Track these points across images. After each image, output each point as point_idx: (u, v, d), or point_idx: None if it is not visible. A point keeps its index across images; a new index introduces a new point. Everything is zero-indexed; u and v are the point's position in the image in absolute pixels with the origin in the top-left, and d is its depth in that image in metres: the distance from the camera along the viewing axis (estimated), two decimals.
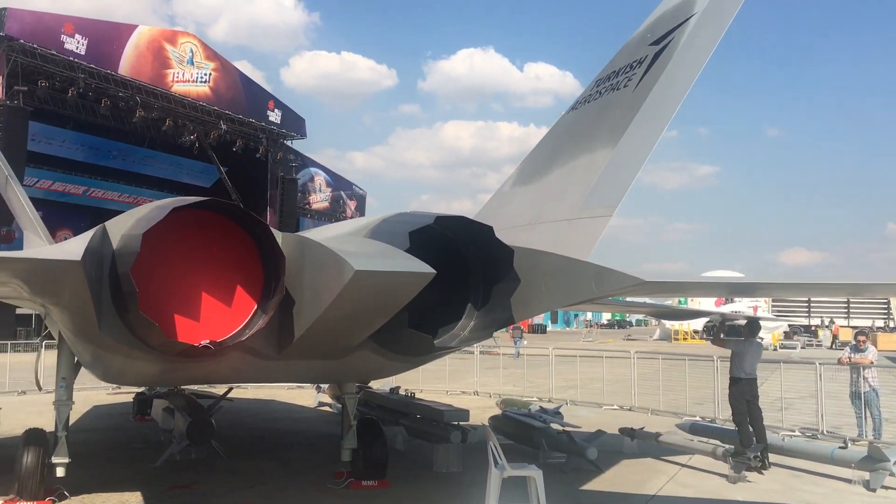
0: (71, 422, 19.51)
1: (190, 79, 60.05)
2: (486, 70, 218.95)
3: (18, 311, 40.90)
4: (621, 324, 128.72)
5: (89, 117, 54.23)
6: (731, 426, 15.37)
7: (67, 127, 56.49)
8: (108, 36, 54.26)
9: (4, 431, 16.95)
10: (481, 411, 19.82)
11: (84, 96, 52.08)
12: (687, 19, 8.74)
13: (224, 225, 8.25)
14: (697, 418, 19.89)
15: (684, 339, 75.16)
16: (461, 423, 14.17)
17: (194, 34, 64.56)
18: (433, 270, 7.20)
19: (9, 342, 30.10)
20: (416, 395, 19.57)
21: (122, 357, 8.74)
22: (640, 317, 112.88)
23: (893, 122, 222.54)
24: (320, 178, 78.08)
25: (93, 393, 24.18)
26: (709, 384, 21.76)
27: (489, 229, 8.61)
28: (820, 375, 18.91)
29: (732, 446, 14.17)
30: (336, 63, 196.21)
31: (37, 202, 57.92)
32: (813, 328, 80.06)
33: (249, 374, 10.70)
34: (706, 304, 71.15)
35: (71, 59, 50.90)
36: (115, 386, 22.07)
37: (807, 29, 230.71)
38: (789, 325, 77.61)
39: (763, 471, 13.85)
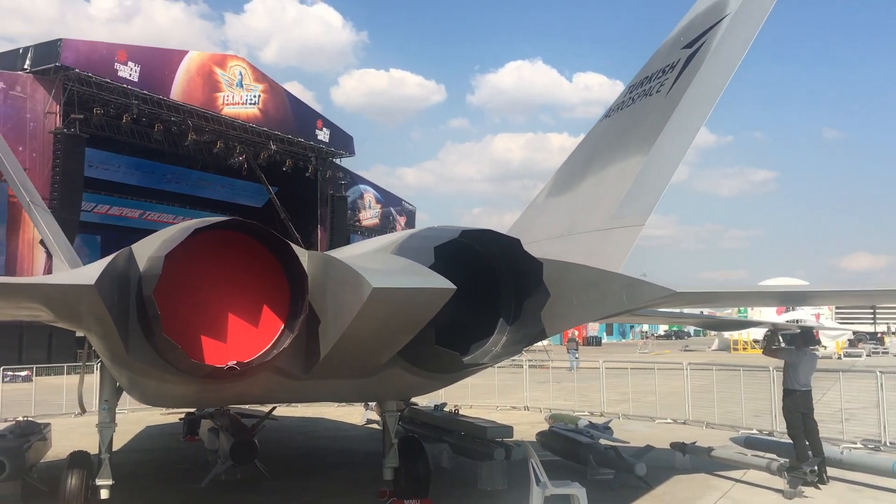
0: (124, 442, 20.06)
1: (239, 101, 61.11)
2: (534, 82, 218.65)
3: (78, 333, 41.95)
4: (679, 334, 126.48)
5: (143, 142, 55.54)
6: (787, 439, 14.83)
7: (122, 152, 58.02)
8: (160, 62, 55.55)
9: (57, 453, 17.20)
10: (530, 427, 19.51)
11: (138, 122, 53.36)
12: (719, 21, 8.47)
13: (249, 245, 8.21)
14: (754, 431, 19.31)
15: (744, 349, 73.48)
16: (505, 439, 13.91)
17: (243, 57, 65.81)
18: (453, 286, 7.04)
19: (65, 364, 30.71)
20: (462, 412, 19.40)
21: (152, 380, 8.74)
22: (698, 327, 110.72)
23: None
24: (370, 195, 78.61)
25: (146, 413, 24.53)
26: (766, 396, 21.11)
27: (517, 242, 8.42)
28: (881, 384, 18.17)
29: (787, 460, 13.64)
30: (384, 80, 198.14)
31: (95, 226, 59.90)
32: (879, 335, 77.58)
33: (280, 395, 10.63)
34: (767, 312, 69.59)
35: (124, 86, 52.21)
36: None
37: (865, 28, 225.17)
38: (854, 333, 75.27)
39: (820, 485, 13.29)
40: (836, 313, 77.02)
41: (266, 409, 19.08)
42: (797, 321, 70.00)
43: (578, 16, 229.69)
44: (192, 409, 19.38)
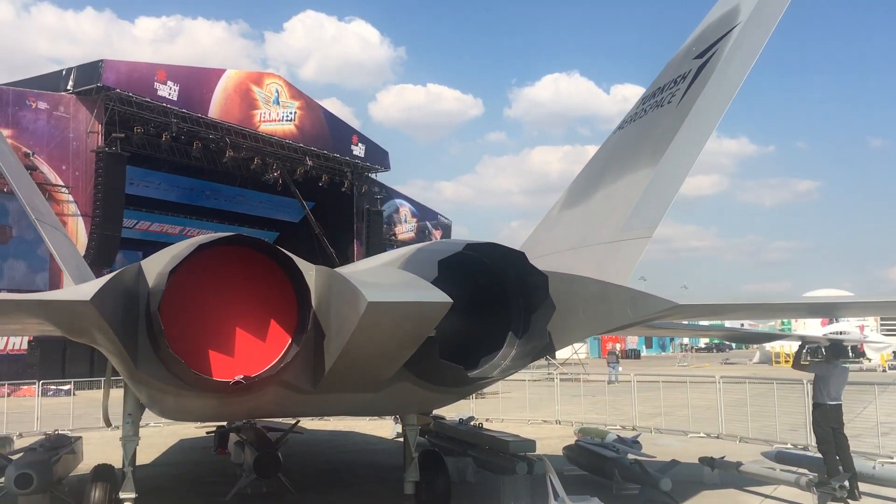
0: (156, 455, 20.32)
1: (276, 118, 61.90)
2: (571, 94, 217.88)
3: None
4: (720, 347, 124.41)
5: (182, 159, 56.49)
6: (820, 454, 14.50)
7: (162, 170, 59.15)
8: (198, 81, 56.54)
9: (88, 466, 17.47)
10: (560, 441, 19.36)
11: (177, 140, 54.30)
12: (730, 31, 8.39)
13: (257, 260, 8.30)
14: (788, 446, 18.94)
15: (786, 361, 72.06)
16: (528, 454, 13.80)
17: (279, 75, 66.67)
18: (449, 300, 7.04)
19: (101, 378, 31.20)
20: (493, 426, 19.31)
21: (163, 395, 8.86)
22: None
23: None
24: (405, 209, 78.96)
25: (180, 427, 24.83)
26: (801, 409, 20.68)
27: (521, 255, 8.40)
28: None
29: (816, 476, 13.34)
30: (422, 95, 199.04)
31: (137, 243, 61.02)
32: None
33: (291, 409, 10.69)
34: (812, 324, 68.29)
35: (164, 105, 53.20)
36: None
37: None
38: None
39: (851, 501, 12.96)
40: (882, 325, 75.15)
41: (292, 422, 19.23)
42: (841, 333, 68.61)
43: (615, 27, 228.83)
44: (222, 423, 19.59)
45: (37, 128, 48.12)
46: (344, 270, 8.76)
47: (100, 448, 20.48)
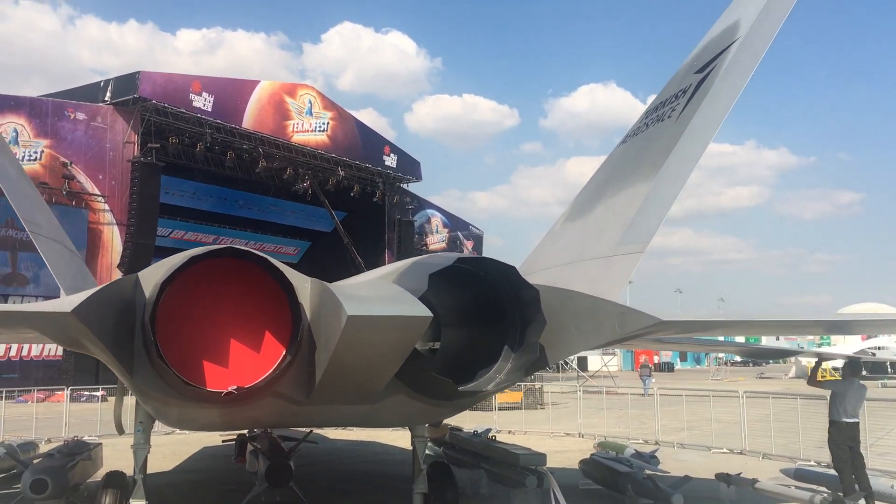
0: (178, 462, 20.57)
1: (309, 128, 62.55)
2: (607, 105, 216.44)
3: None
4: (756, 361, 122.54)
5: (216, 169, 57.27)
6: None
7: (197, 179, 60.04)
8: (233, 92, 57.37)
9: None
10: (580, 454, 19.22)
11: (211, 150, 55.09)
12: (729, 45, 8.35)
13: (253, 272, 8.40)
14: (812, 463, 18.65)
15: (822, 377, 70.74)
16: (538, 467, 13.75)
17: (312, 86, 67.38)
18: (429, 314, 7.08)
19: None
20: (508, 438, 19.24)
21: (161, 404, 9.00)
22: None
23: None
24: (437, 220, 79.14)
25: (205, 435, 25.09)
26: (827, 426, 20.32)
27: (513, 269, 8.42)
28: None
29: (831, 493, 13.13)
30: (458, 106, 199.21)
31: (171, 251, 61.50)
32: None
33: (289, 420, 10.77)
34: (852, 339, 67.03)
35: (199, 115, 54.05)
36: None
37: None
38: None
39: None
40: None
41: (316, 431, 19.34)
42: (879, 348, 67.24)
43: (652, 38, 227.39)
44: (243, 432, 19.78)
45: (75, 138, 49.19)
46: (341, 283, 8.84)
47: (124, 454, 20.80)
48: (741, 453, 21.66)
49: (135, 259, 49.08)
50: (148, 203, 50.84)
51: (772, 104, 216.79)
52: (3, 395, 26.84)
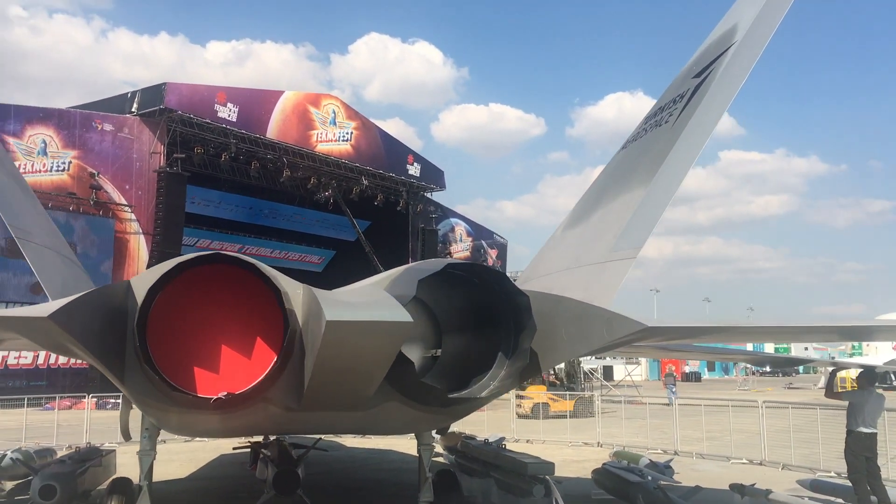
0: (194, 469, 20.68)
1: (333, 138, 62.88)
2: (635, 113, 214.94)
3: None
4: (786, 371, 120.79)
5: (241, 179, 57.71)
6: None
7: (222, 189, 60.53)
8: (257, 102, 57.85)
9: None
10: (596, 464, 19.04)
11: (236, 160, 55.52)
12: (726, 49, 8.26)
13: (245, 278, 8.41)
14: (832, 474, 18.32)
15: (852, 387, 69.59)
16: (547, 476, 13.64)
17: (336, 96, 67.77)
18: (409, 319, 7.05)
19: None
20: (525, 446, 19.10)
21: (156, 410, 9.03)
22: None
23: None
24: (461, 228, 79.12)
25: (225, 442, 25.20)
26: None
27: (503, 276, 8.37)
28: None
29: None
30: (484, 115, 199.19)
31: None
32: None
33: (285, 426, 10.77)
34: (884, 348, 65.96)
35: (224, 125, 54.48)
36: None
37: None
38: None
39: None
40: None
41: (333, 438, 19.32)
42: None
43: (678, 46, 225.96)
44: (257, 439, 19.85)
45: (102, 149, 49.82)
46: (336, 290, 8.83)
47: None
48: (761, 464, 21.35)
49: None
50: (174, 213, 51.36)
51: (802, 112, 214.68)
52: (26, 402, 27.12)
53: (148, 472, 11.69)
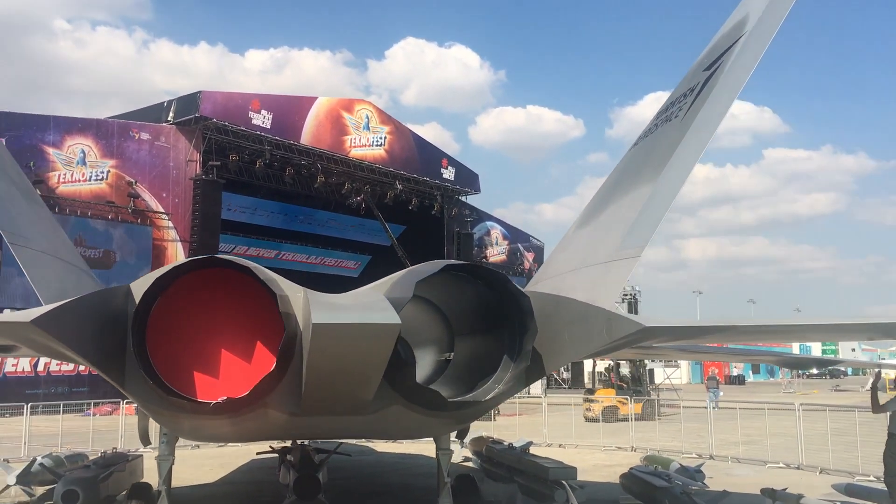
0: (224, 473, 20.76)
1: (366, 143, 63.15)
2: None
3: None
4: (833, 373, 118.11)
5: (276, 185, 58.27)
6: None
7: (257, 195, 61.07)
8: (291, 109, 58.33)
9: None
10: (627, 469, 18.75)
11: (270, 166, 56.05)
12: (736, 40, 8.01)
13: (246, 283, 8.34)
14: (871, 478, 17.78)
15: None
16: (565, 480, 13.40)
17: (369, 101, 68.05)
18: (397, 322, 6.92)
19: None
20: (557, 451, 18.81)
21: (159, 415, 9.02)
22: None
23: None
24: (496, 232, 78.86)
25: (257, 446, 25.29)
26: None
27: (504, 277, 8.20)
28: None
29: None
30: (522, 117, 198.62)
31: None
32: None
33: (289, 431, 10.71)
34: None
35: (258, 133, 55.03)
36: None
37: None
38: None
39: None
40: None
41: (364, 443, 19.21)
42: None
43: None
44: (286, 444, 19.88)
45: (139, 157, 50.58)
46: (341, 294, 8.74)
47: (176, 465, 21.18)
48: (798, 468, 20.82)
49: None
50: (210, 220, 51.91)
51: (848, 108, 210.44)
52: (62, 408, 27.53)
53: (166, 476, 11.73)
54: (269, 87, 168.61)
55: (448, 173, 70.06)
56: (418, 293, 10.14)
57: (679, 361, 65.71)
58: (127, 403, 30.64)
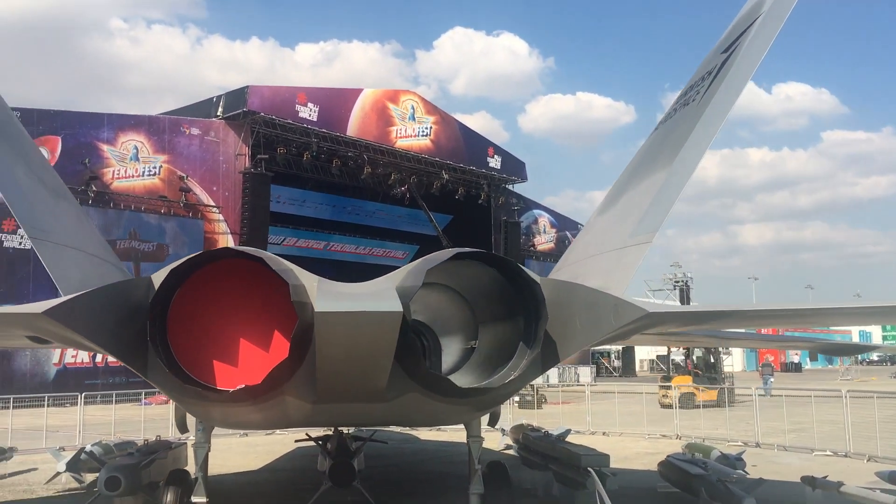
0: (269, 461, 21.17)
1: (412, 133, 63.37)
2: None
3: None
4: (894, 360, 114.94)
5: (323, 177, 58.88)
6: None
7: (305, 188, 61.78)
8: (337, 101, 58.80)
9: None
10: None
11: (317, 158, 56.58)
12: (753, 21, 7.88)
13: (263, 273, 8.47)
14: None
15: None
16: (592, 467, 13.32)
17: (415, 91, 68.18)
18: (398, 310, 6.97)
19: None
20: (601, 439, 18.68)
21: (182, 403, 9.23)
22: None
23: None
24: (544, 220, 78.48)
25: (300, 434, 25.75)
26: None
27: (514, 264, 8.20)
28: None
29: None
30: (571, 104, 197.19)
31: (285, 258, 64.20)
32: None
33: (312, 418, 10.84)
34: None
35: (305, 125, 55.57)
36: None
37: None
38: None
39: None
40: None
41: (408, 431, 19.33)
42: None
43: None
44: (328, 431, 20.17)
45: (190, 152, 51.53)
46: (354, 283, 8.85)
47: (220, 453, 21.69)
48: (846, 455, 20.42)
49: None
50: (259, 212, 52.64)
51: None
52: (114, 398, 28.30)
53: (203, 463, 12.00)
54: (320, 80, 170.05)
55: (494, 162, 69.89)
56: (444, 282, 10.24)
57: (732, 349, 64.71)
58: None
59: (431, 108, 66.14)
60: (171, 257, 49.99)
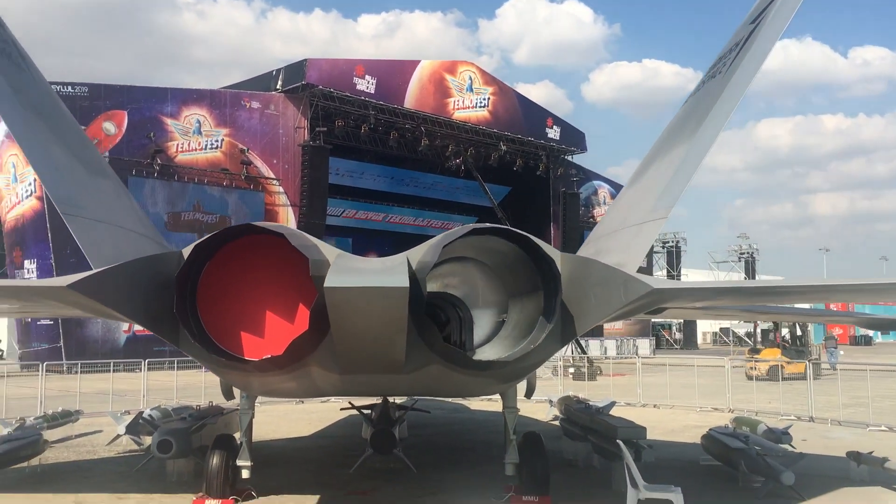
0: (321, 427, 21.74)
1: (470, 105, 63.23)
2: (803, 61, 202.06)
3: None
4: None
5: (381, 149, 59.30)
6: None
7: (364, 160, 62.35)
8: (394, 73, 59.00)
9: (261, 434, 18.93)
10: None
11: (375, 130, 57.03)
12: None
13: (283, 247, 8.69)
14: None
15: None
16: (638, 440, 13.39)
17: (472, 62, 67.84)
18: (405, 285, 7.12)
19: None
20: (650, 412, 18.60)
21: (218, 372, 9.60)
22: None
23: None
24: (604, 191, 77.66)
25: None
26: None
27: (528, 238, 8.27)
28: None
29: None
30: (637, 72, 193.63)
31: (347, 230, 64.94)
32: None
33: (339, 388, 11.12)
34: None
35: (362, 98, 55.99)
36: None
37: None
38: None
39: None
40: None
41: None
42: None
43: None
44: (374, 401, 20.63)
45: (250, 126, 52.45)
46: (370, 258, 9.08)
47: (274, 419, 22.38)
48: None
49: None
50: (318, 184, 53.43)
51: None
52: (177, 364, 29.20)
53: (247, 428, 12.47)
54: (382, 51, 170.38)
55: (553, 133, 69.35)
56: (476, 257, 10.39)
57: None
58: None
59: (489, 79, 65.83)
60: None
